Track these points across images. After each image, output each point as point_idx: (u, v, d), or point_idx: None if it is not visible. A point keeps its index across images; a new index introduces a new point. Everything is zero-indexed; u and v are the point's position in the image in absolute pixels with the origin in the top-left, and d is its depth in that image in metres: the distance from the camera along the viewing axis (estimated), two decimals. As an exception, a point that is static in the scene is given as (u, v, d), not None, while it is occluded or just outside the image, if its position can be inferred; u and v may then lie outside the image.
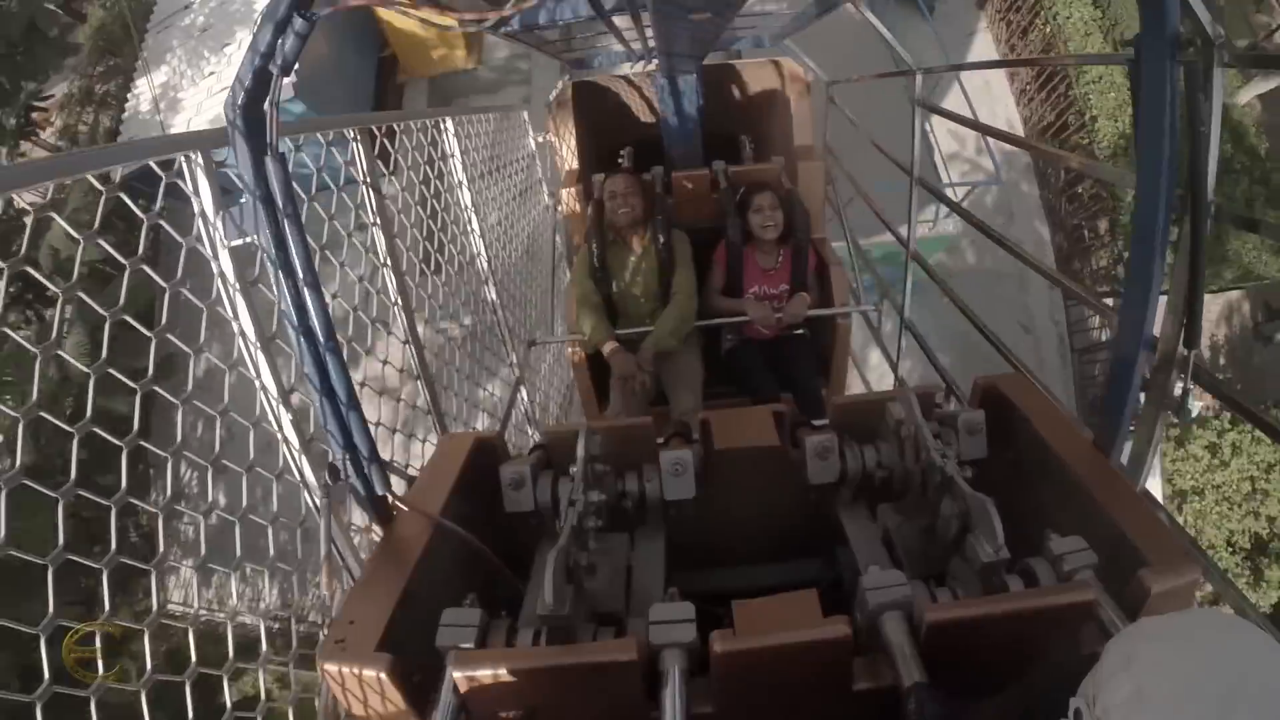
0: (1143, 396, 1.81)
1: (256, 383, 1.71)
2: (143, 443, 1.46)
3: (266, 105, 1.39)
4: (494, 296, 3.72)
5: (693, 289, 3.71)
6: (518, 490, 1.86)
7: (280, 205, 1.45)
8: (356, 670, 1.34)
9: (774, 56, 4.87)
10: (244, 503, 1.77)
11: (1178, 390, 1.74)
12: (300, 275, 1.51)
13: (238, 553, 1.72)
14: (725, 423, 2.08)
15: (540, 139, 5.12)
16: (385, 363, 2.35)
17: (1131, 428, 1.79)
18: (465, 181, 3.42)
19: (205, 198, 1.54)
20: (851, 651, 1.32)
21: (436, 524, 1.71)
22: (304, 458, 1.79)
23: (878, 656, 1.34)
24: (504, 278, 3.96)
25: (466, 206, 3.49)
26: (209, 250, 1.59)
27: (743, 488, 2.05)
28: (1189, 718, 0.78)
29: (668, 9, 2.64)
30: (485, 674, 1.28)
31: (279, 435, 1.77)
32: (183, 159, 1.51)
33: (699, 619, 1.37)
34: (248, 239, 1.53)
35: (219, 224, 1.55)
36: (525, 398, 4.00)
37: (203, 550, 1.68)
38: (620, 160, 4.43)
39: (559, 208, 4.66)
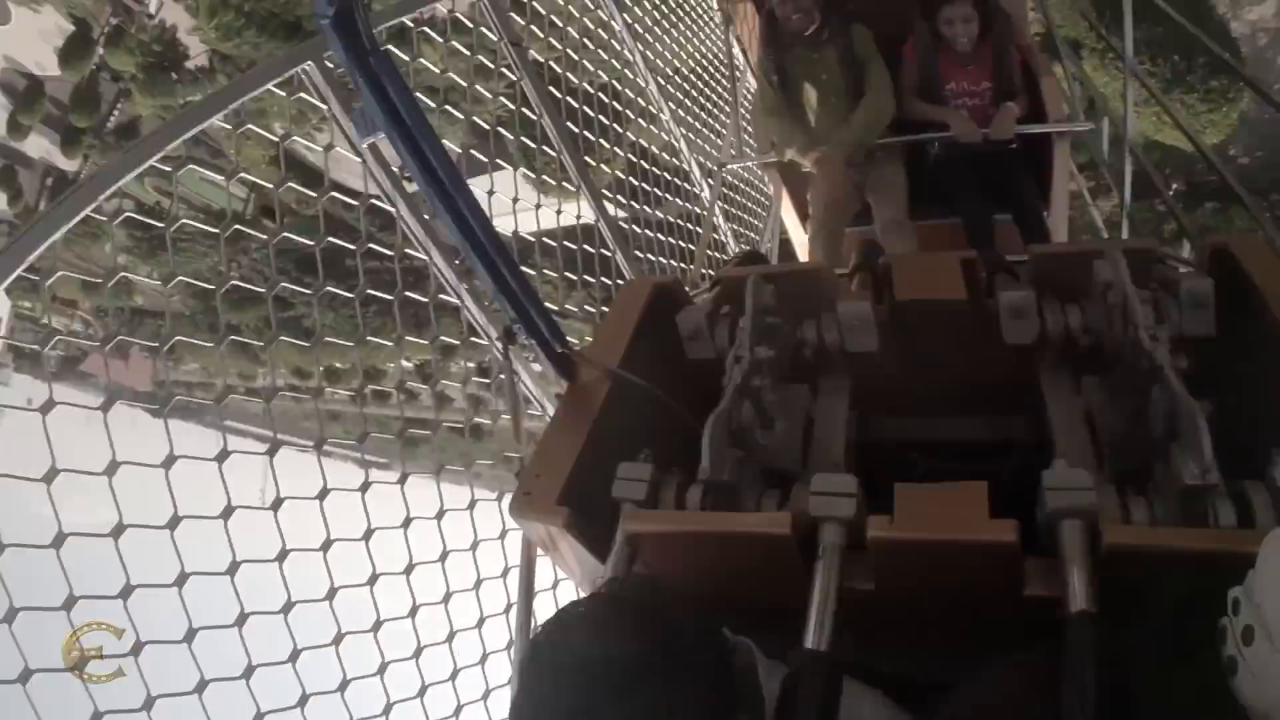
0: None
1: (429, 261, 1.85)
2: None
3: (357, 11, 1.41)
4: (672, 126, 3.63)
5: (886, 83, 3.45)
6: (696, 340, 1.85)
7: (395, 99, 1.50)
8: (540, 522, 1.46)
9: None
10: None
11: None
12: (434, 160, 1.57)
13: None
14: (909, 269, 1.90)
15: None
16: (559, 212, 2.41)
17: None
18: (618, 15, 3.28)
19: (332, 103, 1.64)
20: (1017, 557, 1.20)
21: (616, 374, 1.75)
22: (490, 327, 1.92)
23: (1055, 561, 1.19)
24: (681, 106, 3.84)
25: (626, 41, 3.36)
26: (353, 149, 1.70)
27: (931, 341, 1.87)
28: None
29: None
30: (651, 531, 1.35)
31: (462, 306, 1.91)
32: (300, 73, 1.60)
33: (890, 468, 1.31)
34: (379, 135, 1.61)
35: (349, 124, 1.64)
36: (722, 222, 3.95)
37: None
38: None
39: (730, 23, 4.36)
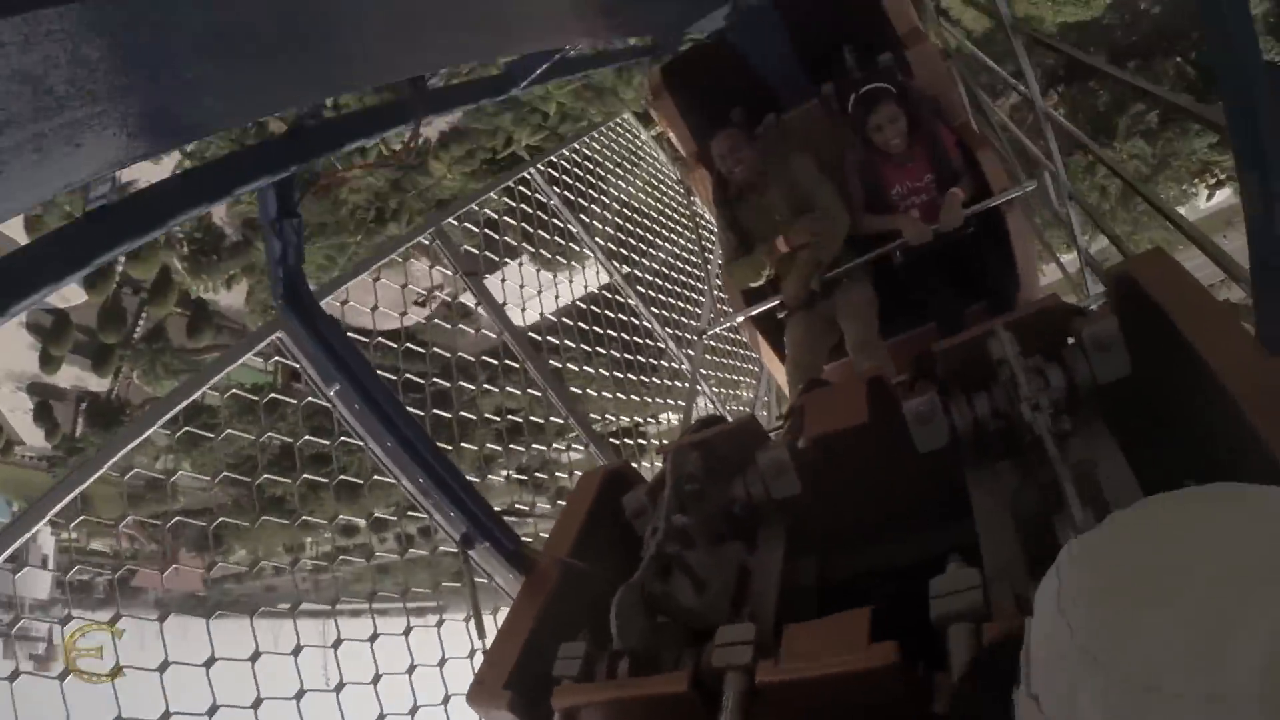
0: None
1: (397, 481, 2.08)
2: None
3: (300, 289, 1.73)
4: (643, 309, 3.94)
5: (834, 197, 3.59)
6: (640, 517, 1.98)
7: (343, 355, 1.79)
8: (488, 706, 1.60)
9: None
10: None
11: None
12: (379, 401, 1.83)
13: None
14: (816, 405, 1.96)
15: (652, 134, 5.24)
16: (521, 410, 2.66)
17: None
18: (573, 219, 3.67)
19: (303, 361, 1.93)
20: (903, 678, 1.19)
21: (564, 564, 1.91)
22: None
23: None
24: (651, 286, 4.15)
25: (586, 242, 3.73)
26: (322, 395, 1.98)
27: (853, 470, 1.87)
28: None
29: None
30: (579, 704, 1.46)
31: (430, 519, 2.13)
32: (275, 341, 1.91)
33: (851, 599, 1.31)
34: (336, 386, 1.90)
35: (315, 376, 1.93)
36: (707, 389, 4.16)
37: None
38: (733, 121, 4.39)
39: (691, 194, 4.74)
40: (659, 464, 2.27)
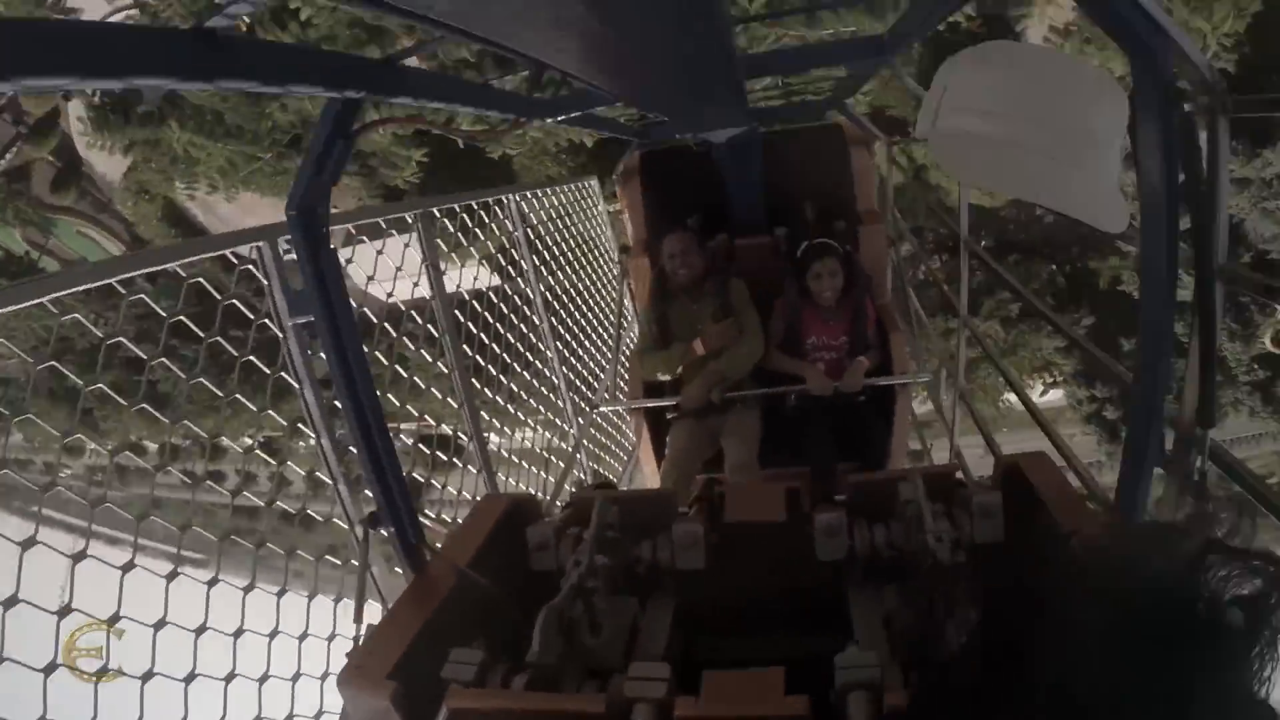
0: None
1: (314, 438, 1.95)
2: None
3: (320, 209, 1.65)
4: (556, 365, 3.96)
5: (758, 328, 3.84)
6: (542, 551, 2.01)
7: (331, 291, 1.70)
8: (366, 694, 1.50)
9: (836, 119, 4.99)
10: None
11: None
12: (349, 351, 1.74)
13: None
14: (739, 496, 2.17)
15: (609, 208, 5.40)
16: (438, 425, 2.58)
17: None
18: (528, 256, 3.70)
19: (274, 281, 1.82)
20: None
21: (461, 573, 1.87)
22: (353, 508, 2.01)
23: None
24: (567, 347, 4.20)
25: (530, 281, 3.76)
26: (278, 324, 1.86)
27: (754, 562, 2.10)
28: None
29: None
30: (473, 709, 1.41)
31: (334, 486, 2.00)
32: (255, 249, 1.79)
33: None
34: (307, 318, 1.79)
35: (284, 302, 1.81)
36: (584, 460, 4.18)
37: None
38: (688, 226, 4.62)
39: (627, 276, 4.90)
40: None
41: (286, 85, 1.34)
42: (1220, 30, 9.05)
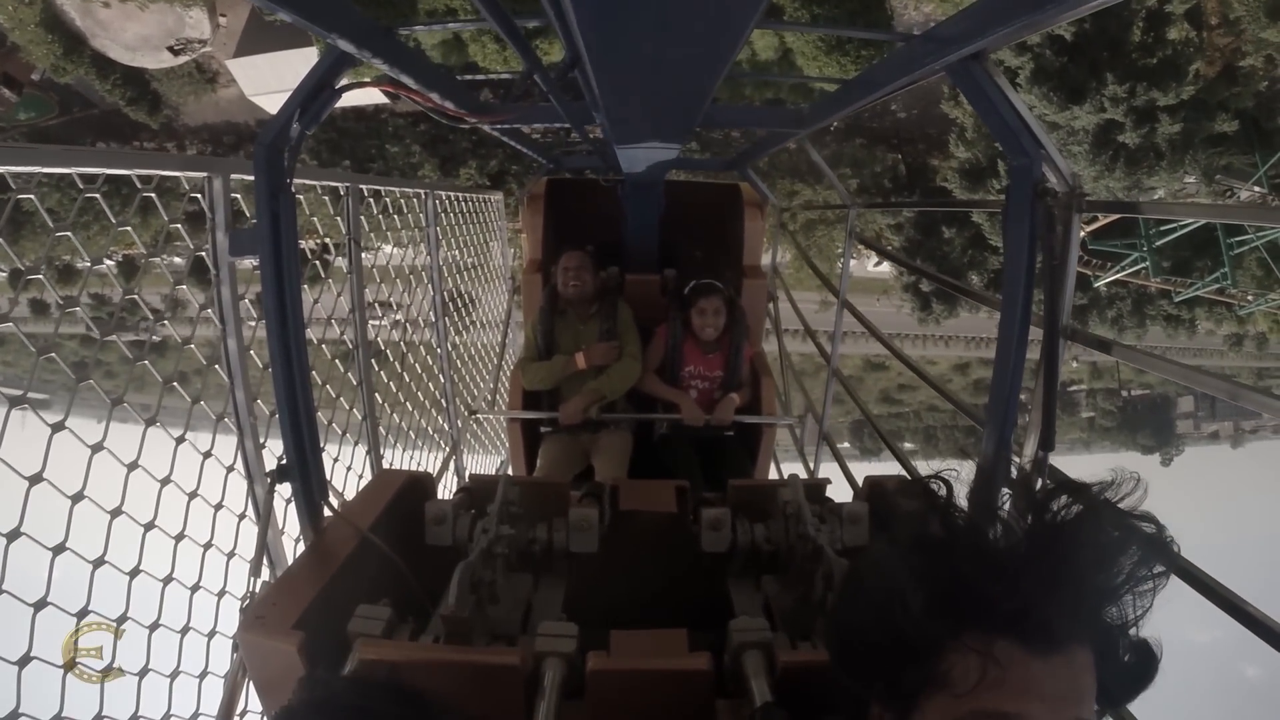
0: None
1: (228, 380, 1.92)
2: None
3: (287, 151, 1.67)
4: (445, 365, 3.97)
5: (638, 352, 4.03)
6: (439, 525, 2.06)
7: (284, 234, 1.71)
8: (270, 643, 1.50)
9: (737, 179, 5.35)
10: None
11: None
12: (287, 297, 1.75)
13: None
14: (634, 490, 2.36)
15: (510, 225, 5.49)
16: (338, 398, 2.56)
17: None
18: (435, 252, 3.72)
19: (220, 215, 1.80)
20: (713, 685, 1.48)
21: (362, 537, 1.88)
22: (258, 456, 1.98)
23: (743, 701, 1.48)
24: (455, 349, 4.22)
25: (432, 276, 3.78)
26: (212, 259, 1.83)
27: (643, 550, 2.27)
28: None
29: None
30: (383, 661, 1.43)
31: (238, 432, 1.96)
32: (207, 180, 1.78)
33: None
34: (250, 259, 1.78)
35: (226, 239, 1.80)
36: (458, 462, 4.19)
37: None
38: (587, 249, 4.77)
39: (516, 293, 4.98)
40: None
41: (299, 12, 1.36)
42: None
